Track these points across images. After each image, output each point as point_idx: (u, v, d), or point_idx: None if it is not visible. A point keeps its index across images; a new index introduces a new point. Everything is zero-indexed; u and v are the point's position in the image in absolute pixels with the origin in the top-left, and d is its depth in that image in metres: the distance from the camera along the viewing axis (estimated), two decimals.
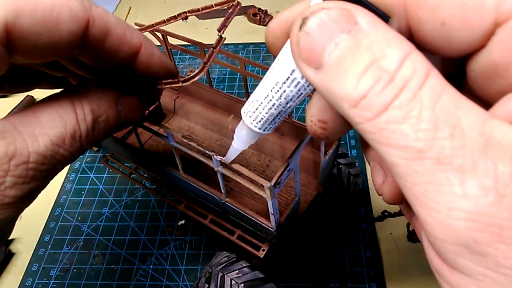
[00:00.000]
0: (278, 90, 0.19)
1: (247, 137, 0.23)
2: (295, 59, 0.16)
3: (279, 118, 0.21)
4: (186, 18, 0.34)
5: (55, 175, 0.23)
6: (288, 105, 0.19)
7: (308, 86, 0.18)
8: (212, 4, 0.31)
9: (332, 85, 0.14)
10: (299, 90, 0.18)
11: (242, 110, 0.22)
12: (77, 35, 0.20)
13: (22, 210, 0.22)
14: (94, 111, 0.23)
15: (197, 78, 0.26)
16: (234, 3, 0.29)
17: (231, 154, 0.26)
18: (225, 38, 0.28)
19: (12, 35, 0.18)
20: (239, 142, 0.24)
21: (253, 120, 0.21)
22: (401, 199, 0.19)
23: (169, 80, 0.28)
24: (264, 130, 0.22)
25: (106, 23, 0.21)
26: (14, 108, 0.66)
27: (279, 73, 0.18)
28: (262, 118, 0.21)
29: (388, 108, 0.13)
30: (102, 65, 0.24)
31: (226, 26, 0.28)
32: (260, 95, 0.20)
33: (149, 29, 0.36)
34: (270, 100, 0.19)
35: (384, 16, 0.15)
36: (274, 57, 0.20)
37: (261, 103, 0.20)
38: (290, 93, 0.18)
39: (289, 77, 0.18)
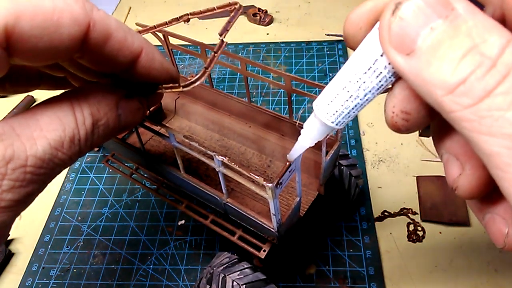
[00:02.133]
0: (357, 81, 0.18)
1: (318, 132, 0.22)
2: (383, 45, 0.16)
3: (354, 112, 0.20)
4: (188, 20, 0.34)
5: (53, 178, 0.23)
6: (366, 97, 0.19)
7: (390, 77, 0.17)
8: (214, 7, 0.31)
9: (425, 72, 0.14)
10: (380, 81, 0.18)
11: (314, 103, 0.21)
12: (78, 39, 0.20)
13: (19, 214, 0.22)
14: (94, 115, 0.23)
15: (198, 83, 0.26)
16: (236, 6, 0.29)
17: (296, 151, 0.25)
18: (226, 43, 0.28)
19: (12, 38, 0.18)
20: (308, 139, 0.23)
21: (327, 113, 0.20)
22: (479, 193, 0.18)
23: (170, 85, 0.27)
24: (337, 124, 0.21)
25: (107, 27, 0.21)
26: (14, 108, 0.66)
27: (359, 64, 0.18)
28: (336, 111, 0.20)
29: (490, 94, 0.13)
30: (103, 69, 0.24)
31: (228, 30, 0.28)
32: (336, 86, 0.19)
33: (151, 31, 0.36)
34: (348, 91, 0.19)
35: (479, 4, 0.15)
36: (353, 50, 0.19)
37: (337, 95, 0.19)
38: (370, 84, 0.18)
39: (370, 67, 0.17)
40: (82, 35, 0.20)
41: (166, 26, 0.34)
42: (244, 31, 0.79)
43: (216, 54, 0.27)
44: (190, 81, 0.26)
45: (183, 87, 0.27)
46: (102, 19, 0.21)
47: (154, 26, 0.35)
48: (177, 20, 0.34)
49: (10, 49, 0.18)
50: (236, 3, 0.29)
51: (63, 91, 0.24)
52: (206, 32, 0.80)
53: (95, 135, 0.23)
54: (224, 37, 0.27)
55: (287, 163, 0.29)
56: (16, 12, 0.18)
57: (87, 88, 0.24)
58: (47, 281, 0.47)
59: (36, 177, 0.21)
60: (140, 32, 0.37)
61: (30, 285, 0.47)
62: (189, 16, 0.33)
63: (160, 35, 0.45)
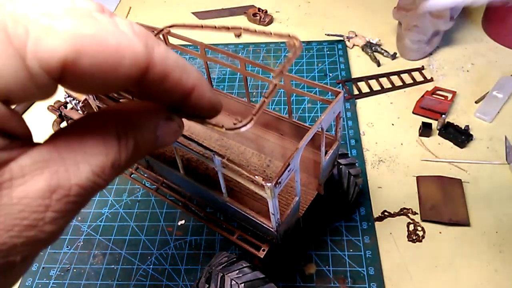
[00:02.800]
0: None
1: None
2: None
3: None
4: (240, 35, 0.32)
5: (86, 205, 0.21)
6: None
7: None
8: (271, 32, 0.30)
9: None
10: None
11: None
12: (134, 79, 0.19)
13: (50, 245, 0.21)
14: (136, 139, 0.21)
15: (243, 129, 0.25)
16: (296, 44, 0.26)
17: (440, 2, 0.23)
18: (277, 86, 0.28)
19: (68, 72, 0.17)
20: None
21: None
22: None
23: (214, 123, 0.26)
24: None
25: (166, 67, 0.20)
26: (14, 108, 0.66)
27: None
28: None
29: None
30: (147, 100, 0.23)
31: (283, 73, 0.25)
32: None
33: (182, 27, 0.35)
34: None
35: None
36: None
37: None
38: None
39: None
40: (139, 76, 0.19)
41: (212, 30, 0.34)
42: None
43: (266, 100, 0.25)
44: (235, 126, 0.25)
45: (226, 129, 0.25)
46: (162, 59, 0.19)
47: (201, 25, 0.34)
48: (227, 29, 0.33)
49: (61, 80, 0.17)
50: (296, 38, 0.27)
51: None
52: (206, 32, 0.80)
53: (133, 159, 0.22)
54: (279, 80, 0.25)
55: (287, 163, 0.29)
56: (79, 47, 0.16)
57: (130, 107, 0.22)
58: (47, 281, 0.47)
59: (77, 206, 0.20)
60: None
61: (30, 285, 0.47)
62: (242, 31, 0.32)
63: (160, 35, 0.45)
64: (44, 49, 0.16)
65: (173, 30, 0.38)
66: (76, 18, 0.17)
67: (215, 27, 0.34)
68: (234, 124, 0.25)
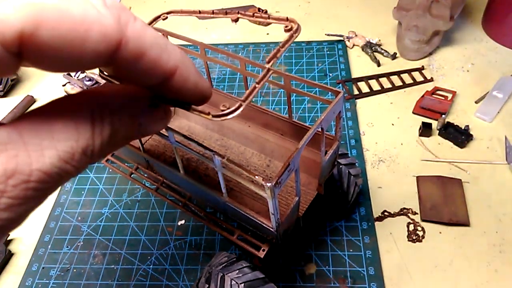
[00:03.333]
0: None
1: None
2: None
3: None
4: (237, 20, 0.31)
5: (54, 191, 0.20)
6: None
7: None
8: (268, 15, 0.28)
9: None
10: None
11: None
12: (103, 56, 0.17)
13: (11, 232, 0.20)
14: (114, 124, 0.20)
15: (230, 117, 0.23)
16: (294, 26, 0.25)
17: None
18: (272, 71, 0.25)
19: (27, 45, 0.15)
20: None
21: None
22: None
23: (200, 109, 0.24)
24: None
25: (141, 44, 0.18)
26: (14, 108, 0.66)
27: None
28: None
29: None
30: (129, 82, 0.21)
31: (278, 58, 0.24)
32: None
33: (180, 13, 0.34)
34: None
35: None
36: None
37: None
38: None
39: None
40: (109, 53, 0.17)
41: (209, 15, 0.32)
42: (244, 31, 0.79)
43: (258, 85, 0.24)
44: (222, 113, 0.23)
45: (213, 116, 0.24)
46: (137, 36, 0.18)
47: (198, 11, 0.33)
48: (225, 13, 0.31)
49: (22, 55, 0.16)
50: (294, 21, 0.25)
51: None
52: (206, 32, 0.80)
53: (110, 146, 0.20)
54: (272, 65, 0.24)
55: (287, 163, 0.29)
56: (37, 18, 0.15)
57: (109, 90, 0.21)
58: (47, 281, 0.47)
59: (38, 193, 0.18)
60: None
61: (30, 285, 0.47)
62: (239, 16, 0.30)
63: (157, 21, 0.45)
64: None
65: (170, 16, 0.37)
66: None
67: (213, 12, 0.33)
68: (222, 110, 0.23)
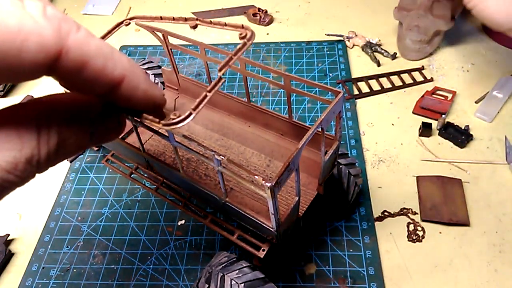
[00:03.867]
0: None
1: None
2: None
3: None
4: (195, 26, 0.31)
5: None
6: None
7: None
8: (225, 23, 0.29)
9: None
10: None
11: None
12: (42, 66, 0.17)
13: None
14: (61, 133, 0.19)
15: (179, 125, 0.23)
16: (248, 33, 0.25)
17: None
18: (224, 80, 0.25)
19: None
20: None
21: None
22: None
23: (150, 117, 0.24)
24: None
25: (83, 54, 0.18)
26: None
27: None
28: None
29: None
30: (75, 91, 0.21)
31: (229, 65, 0.24)
32: None
33: (154, 20, 0.35)
34: None
35: None
36: None
37: None
38: None
39: None
40: (48, 62, 0.17)
41: (170, 22, 0.33)
42: None
43: (208, 94, 0.23)
44: (172, 121, 0.23)
45: (164, 125, 0.23)
46: (78, 45, 0.17)
47: (160, 17, 0.34)
48: (184, 20, 0.32)
49: None
50: (249, 29, 0.25)
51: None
52: (206, 32, 0.80)
53: (58, 156, 0.20)
54: (223, 73, 0.24)
55: (287, 163, 0.29)
56: None
57: (58, 99, 0.20)
58: (47, 281, 0.47)
59: None
60: (139, 24, 0.36)
61: (30, 285, 0.47)
62: (197, 22, 0.31)
63: (160, 34, 0.45)
64: None
65: (133, 22, 0.38)
66: None
67: (173, 18, 0.33)
68: (172, 118, 0.23)
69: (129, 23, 0.37)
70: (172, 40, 0.45)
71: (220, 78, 0.24)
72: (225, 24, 0.28)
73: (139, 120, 0.24)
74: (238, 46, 0.25)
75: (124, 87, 0.20)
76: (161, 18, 0.34)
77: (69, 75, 0.18)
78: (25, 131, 0.18)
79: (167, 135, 0.34)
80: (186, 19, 0.32)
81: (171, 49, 0.47)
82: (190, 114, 0.22)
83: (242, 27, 0.26)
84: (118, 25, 0.38)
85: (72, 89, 0.20)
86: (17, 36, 0.15)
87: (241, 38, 0.25)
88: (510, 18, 0.37)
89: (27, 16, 0.16)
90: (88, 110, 0.21)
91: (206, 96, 0.23)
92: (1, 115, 0.19)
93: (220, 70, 0.24)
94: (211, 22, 0.30)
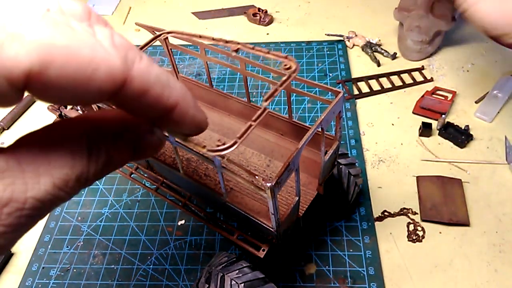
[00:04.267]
0: None
1: None
2: None
3: None
4: (237, 50, 0.31)
5: (44, 217, 0.20)
6: None
7: None
8: (268, 51, 0.29)
9: None
10: None
11: None
12: (107, 93, 0.17)
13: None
14: (109, 151, 0.20)
15: (223, 152, 0.24)
16: (293, 66, 0.26)
17: None
18: (268, 110, 0.26)
19: (33, 83, 0.15)
20: None
21: None
22: None
23: (195, 142, 0.25)
24: None
25: (145, 83, 0.18)
26: (14, 108, 0.66)
27: None
28: None
29: None
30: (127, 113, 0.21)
31: (274, 96, 0.25)
32: None
33: (180, 34, 0.35)
34: None
35: None
36: None
37: None
38: None
39: None
40: (113, 90, 0.17)
41: (209, 41, 0.33)
42: (244, 31, 0.79)
43: (253, 124, 0.24)
44: (217, 148, 0.24)
45: (208, 150, 0.24)
46: (141, 74, 0.18)
47: (199, 35, 0.34)
48: (225, 42, 0.32)
49: (26, 90, 0.16)
50: (293, 60, 0.25)
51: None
52: (206, 32, 0.80)
53: (103, 172, 0.20)
54: (268, 104, 0.25)
55: (287, 163, 0.29)
56: (46, 57, 0.15)
57: (107, 116, 0.21)
58: (47, 281, 0.47)
59: (30, 219, 0.18)
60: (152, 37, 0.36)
61: (30, 285, 0.47)
62: (239, 46, 0.31)
63: (156, 40, 0.45)
64: (8, 57, 0.14)
65: (171, 36, 0.38)
66: (48, 26, 0.15)
67: (213, 38, 0.33)
68: (217, 146, 0.24)
69: (167, 37, 0.38)
70: (172, 40, 0.45)
71: (265, 109, 0.25)
72: (268, 52, 0.29)
73: (183, 143, 0.25)
74: (284, 78, 0.25)
75: (176, 112, 0.21)
76: (200, 36, 0.34)
77: (130, 101, 0.19)
78: (76, 149, 0.19)
79: (166, 135, 0.34)
80: (227, 41, 0.32)
81: (171, 49, 0.47)
82: (235, 142, 0.24)
83: (286, 57, 0.27)
84: (155, 38, 0.38)
85: (126, 111, 0.21)
86: (89, 65, 0.16)
87: (285, 70, 0.26)
88: (505, 21, 0.33)
89: (98, 45, 0.16)
90: (134, 128, 0.21)
91: (250, 126, 0.25)
92: (53, 132, 0.19)
93: (265, 101, 0.25)
94: (253, 48, 0.30)
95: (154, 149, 0.23)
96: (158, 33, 0.44)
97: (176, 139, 0.34)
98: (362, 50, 0.72)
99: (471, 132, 0.56)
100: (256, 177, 0.28)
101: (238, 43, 0.31)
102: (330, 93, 0.35)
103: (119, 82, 0.17)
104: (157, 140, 0.22)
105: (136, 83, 0.18)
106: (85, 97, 0.17)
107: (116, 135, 0.20)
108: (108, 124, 0.20)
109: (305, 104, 0.63)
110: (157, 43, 0.45)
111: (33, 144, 0.18)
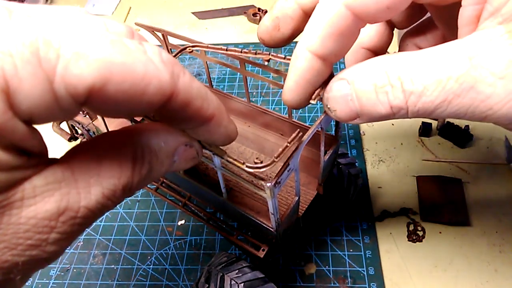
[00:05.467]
0: None
1: None
2: None
3: None
4: (268, 60, 0.33)
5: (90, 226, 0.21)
6: None
7: None
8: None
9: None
10: None
11: None
12: (155, 107, 0.18)
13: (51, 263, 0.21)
14: (152, 163, 0.21)
15: (262, 170, 0.26)
16: (300, 134, 0.28)
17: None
18: (300, 133, 0.29)
19: (93, 98, 0.16)
20: None
21: None
22: None
23: (234, 158, 0.27)
24: None
25: (189, 96, 0.19)
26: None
27: None
28: None
29: None
30: (166, 123, 0.23)
31: (284, 153, 0.28)
32: None
33: (205, 48, 0.36)
34: None
35: None
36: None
37: None
38: None
39: None
40: (161, 104, 0.18)
41: (238, 53, 0.35)
42: (244, 31, 0.79)
43: (288, 145, 0.27)
44: (256, 165, 0.26)
45: (247, 167, 0.26)
46: (185, 88, 0.19)
47: (226, 48, 0.35)
48: (254, 54, 0.34)
49: (86, 104, 0.17)
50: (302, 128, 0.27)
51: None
52: (206, 32, 0.80)
53: (145, 182, 0.21)
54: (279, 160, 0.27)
55: (286, 163, 0.29)
56: (106, 74, 0.16)
57: (151, 129, 0.22)
58: (47, 281, 0.47)
59: (82, 228, 0.19)
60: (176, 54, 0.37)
61: (30, 285, 0.47)
62: (271, 57, 0.33)
63: (160, 34, 0.45)
64: (73, 75, 0.15)
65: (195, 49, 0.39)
66: (107, 45, 0.16)
67: (241, 51, 0.35)
68: (255, 163, 0.26)
69: (192, 51, 0.38)
70: (171, 40, 0.45)
71: (299, 132, 0.28)
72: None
73: (222, 157, 0.27)
74: (294, 136, 0.29)
75: (212, 123, 0.22)
76: (226, 49, 0.35)
77: (174, 113, 0.20)
78: (124, 160, 0.20)
79: None
80: (256, 53, 0.33)
81: (171, 49, 0.47)
82: (274, 161, 0.26)
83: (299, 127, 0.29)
84: (181, 50, 0.39)
85: (166, 122, 0.22)
86: (142, 80, 0.17)
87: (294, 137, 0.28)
88: None
89: (150, 62, 0.17)
90: (174, 141, 0.23)
91: (287, 146, 0.27)
92: (103, 144, 0.20)
93: (276, 158, 0.27)
94: (284, 58, 0.32)
95: (192, 161, 0.24)
96: (158, 35, 0.44)
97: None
98: None
99: (471, 132, 0.56)
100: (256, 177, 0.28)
101: (269, 54, 0.32)
102: None
103: (167, 95, 0.18)
104: (194, 152, 0.24)
105: (181, 96, 0.19)
106: (137, 109, 0.18)
107: (157, 146, 0.21)
108: (151, 136, 0.22)
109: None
110: (157, 43, 0.45)
111: (84, 155, 0.19)
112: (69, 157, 0.19)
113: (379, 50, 0.33)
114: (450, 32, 0.25)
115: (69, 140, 0.53)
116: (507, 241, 0.47)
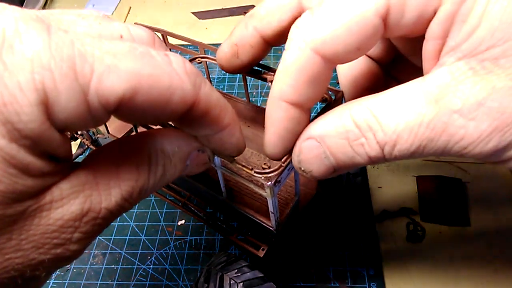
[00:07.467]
0: None
1: None
2: None
3: None
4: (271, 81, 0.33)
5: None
6: None
7: None
8: None
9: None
10: None
11: None
12: (179, 114, 0.20)
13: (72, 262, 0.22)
14: (166, 166, 0.22)
15: (271, 175, 0.27)
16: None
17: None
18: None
19: (122, 107, 0.17)
20: None
21: None
22: None
23: (243, 163, 0.28)
24: None
25: (208, 105, 0.20)
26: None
27: None
28: None
29: None
30: (182, 129, 0.24)
31: (280, 173, 0.28)
32: None
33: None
34: None
35: None
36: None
37: None
38: None
39: None
40: (184, 112, 0.20)
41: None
42: None
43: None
44: (264, 171, 0.27)
45: (256, 172, 0.27)
46: (206, 97, 0.20)
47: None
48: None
49: (114, 112, 0.18)
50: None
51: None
52: (206, 32, 0.80)
53: (159, 185, 0.22)
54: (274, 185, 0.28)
55: (286, 162, 0.29)
56: (136, 85, 0.17)
57: (166, 134, 0.23)
58: (47, 281, 0.47)
59: (101, 228, 0.20)
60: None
61: None
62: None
63: (159, 34, 0.45)
64: (106, 86, 0.16)
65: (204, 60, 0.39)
66: (136, 57, 0.17)
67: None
68: (263, 168, 0.27)
69: (201, 62, 0.40)
70: (171, 40, 0.45)
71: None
72: None
73: (230, 162, 0.27)
74: (286, 159, 0.28)
75: (225, 132, 0.23)
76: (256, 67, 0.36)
77: (193, 120, 0.21)
78: (141, 164, 0.21)
79: None
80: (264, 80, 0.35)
81: (170, 49, 0.47)
82: (281, 166, 0.27)
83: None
84: (191, 61, 0.39)
85: (183, 128, 0.23)
86: (167, 90, 0.18)
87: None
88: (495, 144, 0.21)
89: (175, 73, 0.18)
90: (188, 146, 0.24)
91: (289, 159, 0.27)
92: (121, 147, 0.21)
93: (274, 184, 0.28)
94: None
95: (203, 166, 0.25)
96: (158, 35, 0.44)
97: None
98: None
99: None
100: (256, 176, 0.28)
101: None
102: (330, 92, 0.35)
103: (189, 104, 0.19)
104: (206, 158, 0.25)
105: (201, 105, 0.20)
106: (162, 117, 0.19)
107: (172, 151, 0.22)
108: (165, 141, 0.23)
109: None
110: None
111: (104, 159, 0.20)
112: (90, 161, 0.20)
113: (378, 87, 0.31)
114: (420, 65, 0.24)
115: (69, 140, 0.53)
116: (507, 241, 0.47)
